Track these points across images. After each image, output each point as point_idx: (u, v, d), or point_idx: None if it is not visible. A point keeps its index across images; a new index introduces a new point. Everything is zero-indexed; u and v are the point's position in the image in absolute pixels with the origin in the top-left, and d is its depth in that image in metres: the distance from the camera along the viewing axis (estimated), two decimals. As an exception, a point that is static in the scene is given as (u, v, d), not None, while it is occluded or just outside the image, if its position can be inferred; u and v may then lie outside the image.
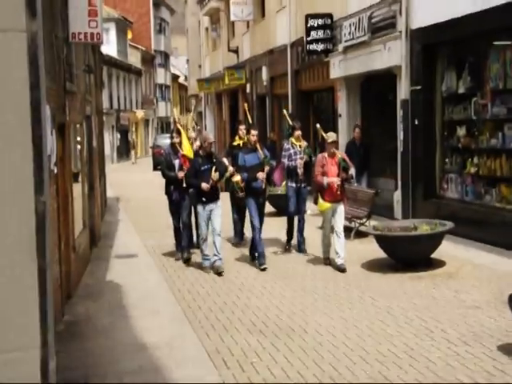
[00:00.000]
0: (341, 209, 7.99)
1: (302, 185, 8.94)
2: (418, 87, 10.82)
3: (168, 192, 9.00)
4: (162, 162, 9.07)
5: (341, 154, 8.12)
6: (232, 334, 5.81)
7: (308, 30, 14.21)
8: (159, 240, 10.95)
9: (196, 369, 5.02)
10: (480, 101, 9.72)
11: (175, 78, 58.56)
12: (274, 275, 7.90)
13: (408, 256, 7.90)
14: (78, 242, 8.06)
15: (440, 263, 8.04)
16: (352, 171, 8.23)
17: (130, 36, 44.49)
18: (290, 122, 9.29)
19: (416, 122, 10.86)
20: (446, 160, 10.68)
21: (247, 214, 8.76)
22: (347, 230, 9.46)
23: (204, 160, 8.10)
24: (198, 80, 29.56)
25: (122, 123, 40.20)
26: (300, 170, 8.76)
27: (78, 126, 8.80)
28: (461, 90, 10.19)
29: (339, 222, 7.95)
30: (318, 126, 8.81)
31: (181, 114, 60.30)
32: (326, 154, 8.01)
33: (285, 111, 9.77)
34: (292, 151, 8.96)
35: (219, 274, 7.91)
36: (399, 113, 11.39)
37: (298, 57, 16.65)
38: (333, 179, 7.83)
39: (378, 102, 13.29)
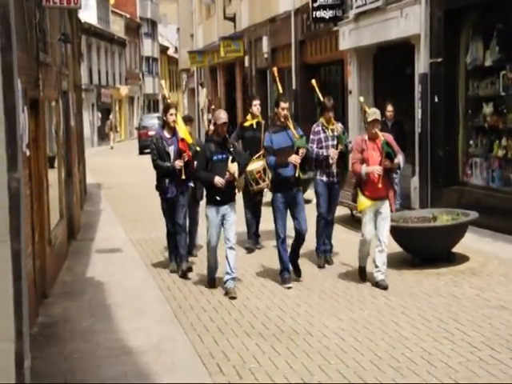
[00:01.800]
0: (386, 209, 7.05)
1: (335, 179, 7.99)
2: (439, 59, 10.80)
3: (161, 187, 7.96)
4: (152, 150, 7.90)
5: (385, 135, 7.10)
6: (228, 336, 5.85)
7: (314, -5, 14.17)
8: (146, 232, 11.00)
9: (187, 375, 5.05)
10: (510, 74, 9.70)
11: (164, 49, 58.36)
12: (275, 271, 7.92)
13: (426, 250, 7.93)
14: (54, 234, 8.08)
15: (462, 258, 8.07)
16: (400, 159, 7.07)
17: (112, 1, 44.29)
18: (321, 98, 8.11)
19: (436, 99, 10.85)
20: (471, 142, 10.68)
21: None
22: (355, 221, 9.50)
23: (217, 147, 7.03)
24: (190, 52, 29.46)
25: (103, 101, 40.14)
26: (333, 161, 7.81)
27: (53, 103, 8.78)
28: (488, 63, 10.18)
29: (383, 227, 7.05)
30: (361, 99, 7.93)
31: (171, 91, 60.31)
32: (366, 137, 7.10)
33: (314, 81, 8.28)
34: (323, 135, 7.93)
35: (232, 298, 6.91)
36: (417, 89, 11.38)
37: (303, 25, 16.60)
38: (373, 168, 6.90)
39: (393, 76, 13.27)
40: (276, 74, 8.21)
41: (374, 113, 7.08)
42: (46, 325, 6.36)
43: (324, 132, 7.95)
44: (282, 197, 7.20)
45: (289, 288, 7.15)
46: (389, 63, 13.43)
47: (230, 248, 7.07)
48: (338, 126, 8.06)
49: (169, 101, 8.11)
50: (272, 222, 7.44)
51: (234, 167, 6.91)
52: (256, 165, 7.95)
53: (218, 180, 6.88)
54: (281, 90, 7.84)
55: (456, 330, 5.77)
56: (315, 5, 14.22)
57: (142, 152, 32.14)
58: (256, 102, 8.97)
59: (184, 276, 7.78)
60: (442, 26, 10.72)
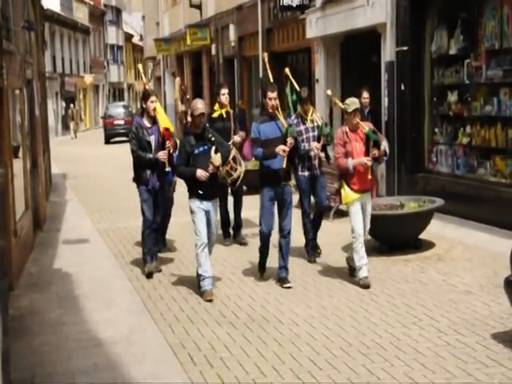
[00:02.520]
0: (368, 201, 6.85)
1: (319, 171, 7.69)
2: (405, 48, 10.89)
3: (140, 180, 7.35)
4: (131, 139, 7.35)
5: (367, 124, 6.80)
6: (198, 326, 5.84)
7: (281, -17, 14.14)
8: (113, 222, 10.91)
9: (158, 365, 5.04)
10: (474, 63, 9.83)
11: (129, 37, 57.65)
12: (245, 261, 7.93)
13: (393, 237, 8.02)
14: (20, 225, 7.96)
15: (429, 244, 8.19)
16: (384, 145, 6.72)
17: (75, -12, 43.51)
18: (297, 88, 7.78)
19: (402, 87, 10.94)
20: (436, 129, 10.82)
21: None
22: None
23: (197, 140, 6.59)
24: (156, 40, 29.17)
25: (67, 89, 39.52)
26: (315, 153, 7.52)
27: (17, 91, 8.62)
28: (452, 51, 10.29)
29: (366, 219, 6.83)
30: (329, 92, 7.68)
31: (136, 80, 59.71)
32: (347, 128, 6.72)
33: (287, 70, 7.81)
34: (302, 127, 7.60)
35: (209, 300, 6.47)
36: (384, 77, 11.46)
37: (270, 13, 16.56)
38: (361, 160, 6.58)
39: (359, 64, 13.33)
40: (267, 61, 7.68)
41: (353, 102, 6.72)
42: (13, 317, 6.24)
43: (303, 123, 7.63)
44: (270, 192, 6.80)
45: (288, 288, 6.80)
46: (356, 51, 13.49)
47: (211, 248, 6.80)
48: (317, 117, 7.79)
49: (147, 87, 7.68)
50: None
51: (217, 158, 6.50)
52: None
53: (201, 173, 6.46)
54: (271, 79, 7.23)
55: (424, 315, 5.86)
56: (282, -7, 14.19)
57: (108, 141, 31.85)
58: (224, 91, 8.52)
59: (149, 276, 7.35)
60: (408, 14, 10.79)
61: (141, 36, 48.04)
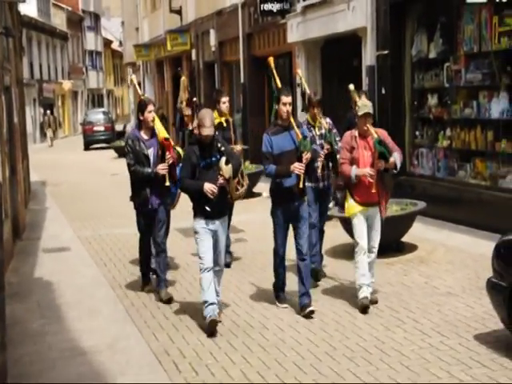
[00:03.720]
0: (378, 220, 6.23)
1: (326, 183, 6.99)
2: (385, 52, 10.99)
3: (139, 198, 6.75)
4: (127, 153, 6.70)
5: (378, 131, 6.15)
6: (183, 333, 5.84)
7: (261, -13, 14.20)
8: (95, 230, 10.86)
9: (143, 374, 5.04)
10: (453, 66, 9.96)
11: (108, 43, 57.45)
12: (231, 268, 7.93)
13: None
14: None
15: (411, 247, 8.27)
16: (396, 157, 6.04)
17: (53, -7, 43.28)
18: (307, 90, 7.24)
19: (383, 91, 11.04)
20: (416, 133, 10.93)
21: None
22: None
23: (205, 150, 5.84)
24: (136, 46, 29.10)
25: (45, 96, 39.24)
26: (317, 163, 6.68)
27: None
28: (432, 55, 10.42)
29: (375, 237, 6.26)
30: (351, 86, 6.68)
31: (115, 86, 59.46)
32: (356, 133, 6.15)
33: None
34: (309, 136, 6.63)
35: (211, 333, 5.71)
36: (364, 81, 11.56)
37: (251, 18, 16.61)
38: (364, 171, 6.01)
39: (340, 68, 13.43)
40: (272, 65, 6.79)
41: (364, 105, 6.10)
42: (-6, 328, 6.21)
43: (310, 131, 6.86)
44: (283, 211, 6.16)
45: (284, 308, 6.31)
46: (336, 56, 13.59)
47: (220, 270, 6.12)
48: (325, 122, 7.05)
49: (142, 97, 7.08)
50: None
51: (228, 170, 5.78)
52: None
53: (209, 187, 5.72)
54: (279, 84, 6.47)
55: (407, 318, 5.91)
56: (262, -2, 14.24)
57: (87, 148, 31.67)
58: (225, 99, 7.82)
59: (169, 302, 6.67)
60: (388, 19, 10.90)
61: (120, 42, 47.85)
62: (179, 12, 23.21)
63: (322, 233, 7.26)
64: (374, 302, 6.26)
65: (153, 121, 6.71)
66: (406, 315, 5.99)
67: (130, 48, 30.88)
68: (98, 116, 33.96)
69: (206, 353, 5.35)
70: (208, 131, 5.77)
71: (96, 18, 54.17)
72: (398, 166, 6.12)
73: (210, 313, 5.76)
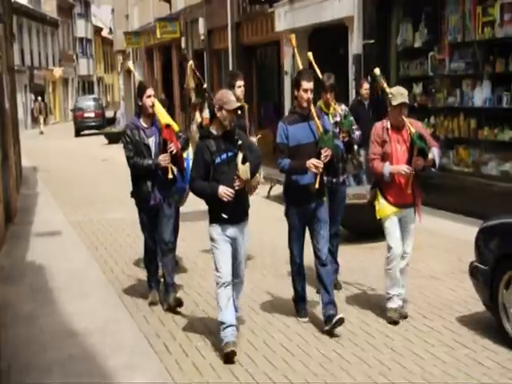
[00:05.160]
0: (412, 221, 5.46)
1: (340, 179, 6.06)
2: (371, 41, 10.96)
3: (140, 193, 5.93)
4: (126, 144, 5.86)
5: (413, 123, 5.34)
6: (173, 316, 5.81)
7: (250, -24, 14.09)
8: (86, 215, 10.79)
9: (134, 355, 5.01)
10: (437, 55, 9.96)
11: (98, 30, 56.87)
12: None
13: (361, 225, 8.07)
14: (-8, 218, 7.82)
15: (395, 232, 8.28)
16: (435, 153, 5.24)
17: (43, -19, 42.72)
18: (318, 73, 6.10)
19: (369, 79, 11.01)
20: (402, 121, 10.90)
21: None
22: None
23: (220, 144, 4.87)
24: (126, 33, 28.82)
25: (36, 83, 38.85)
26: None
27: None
28: (417, 44, 10.41)
29: (408, 240, 5.48)
30: (377, 71, 5.78)
31: (106, 73, 58.95)
32: (388, 124, 5.31)
33: (310, 54, 6.23)
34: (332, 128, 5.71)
35: (229, 359, 4.79)
36: (351, 69, 11.52)
37: (239, 7, 16.50)
38: (399, 168, 5.22)
39: (327, 57, 13.31)
40: (294, 44, 5.91)
41: (400, 94, 5.25)
42: (-13, 311, 6.17)
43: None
44: (299, 212, 5.31)
45: (305, 322, 5.50)
46: (323, 44, 13.50)
47: (237, 284, 5.19)
48: (340, 109, 6.16)
49: (140, 79, 6.19)
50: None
51: (246, 170, 4.79)
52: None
53: (225, 191, 4.78)
54: (301, 65, 5.62)
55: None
56: (251, -14, 14.14)
57: (78, 134, 31.43)
58: (240, 83, 6.81)
59: (172, 310, 5.90)
60: (374, 8, 10.87)
61: (110, 29, 47.38)
62: (169, 0, 23.00)
63: (335, 237, 6.20)
64: (404, 316, 5.46)
65: (152, 106, 5.83)
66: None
67: (120, 35, 30.59)
68: (88, 103, 33.72)
69: (196, 335, 5.34)
70: (234, 104, 4.81)
71: (86, 5, 53.59)
72: (438, 163, 5.32)
73: (229, 337, 4.86)
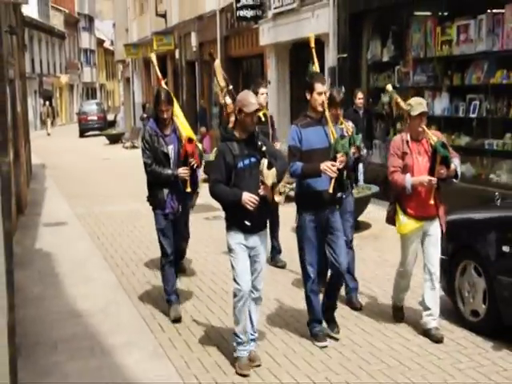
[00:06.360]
0: (436, 231, 4.70)
1: (345, 193, 4.92)
2: (345, 55, 10.95)
3: (156, 200, 5.15)
4: (144, 150, 5.09)
5: (435, 134, 4.74)
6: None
7: (237, -4, 14.02)
8: (89, 207, 10.67)
9: (132, 334, 4.96)
10: (403, 69, 9.97)
11: (101, 42, 56.32)
12: (206, 240, 7.87)
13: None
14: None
15: (366, 225, 8.29)
16: (456, 164, 4.61)
17: (51, -3, 42.20)
18: (317, 67, 5.14)
19: (343, 89, 10.99)
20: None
21: None
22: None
23: (243, 148, 4.21)
24: (126, 45, 28.56)
25: (45, 88, 38.40)
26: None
27: None
28: (385, 59, 10.42)
29: (433, 255, 4.72)
30: (389, 87, 5.34)
31: (107, 80, 58.42)
32: (408, 136, 4.69)
33: (315, 63, 5.10)
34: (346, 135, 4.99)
35: (244, 375, 4.18)
36: (327, 80, 11.48)
37: (228, 23, 16.40)
38: (422, 178, 4.55)
39: (306, 68, 13.34)
40: (313, 45, 5.04)
41: (419, 103, 4.64)
42: (-1, 293, 6.06)
43: None
44: (312, 220, 4.54)
45: (323, 347, 4.58)
46: (302, 57, 13.49)
47: (256, 299, 4.39)
48: (349, 126, 5.38)
49: (163, 83, 5.41)
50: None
51: (272, 175, 4.11)
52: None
53: (249, 198, 4.10)
54: (317, 68, 4.94)
55: (363, 286, 5.88)
56: (238, 5, 14.08)
57: (82, 135, 31.12)
58: (263, 91, 6.22)
59: (176, 321, 5.15)
60: (347, 26, 10.86)
61: (111, 41, 46.95)
62: (164, 16, 22.86)
63: (349, 250, 5.32)
64: (439, 339, 4.62)
65: (172, 113, 5.11)
66: (361, 284, 5.94)
67: (121, 47, 30.34)
68: (91, 107, 33.39)
69: (188, 316, 5.29)
70: (253, 106, 4.13)
71: (90, 19, 53.05)
72: (459, 173, 4.65)
73: (241, 352, 4.28)
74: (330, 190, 4.41)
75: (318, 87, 4.53)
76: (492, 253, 4.63)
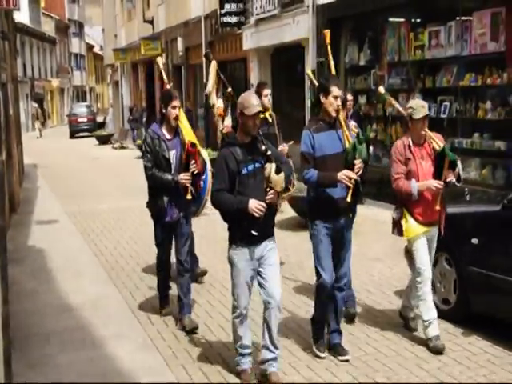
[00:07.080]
0: (435, 238, 4.46)
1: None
2: (324, 59, 10.97)
3: (156, 207, 4.77)
4: (145, 153, 4.73)
5: (437, 137, 4.35)
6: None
7: (222, 3, 14.00)
8: (80, 205, 10.58)
9: (121, 326, 4.93)
10: (378, 72, 10.03)
11: (90, 47, 55.81)
12: (200, 235, 7.84)
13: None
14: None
15: (344, 220, 8.30)
16: (459, 168, 4.25)
17: (42, 4, 41.66)
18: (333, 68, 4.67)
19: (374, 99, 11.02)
20: (349, 127, 10.96)
21: None
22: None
23: (246, 153, 3.78)
24: (114, 50, 28.35)
25: (37, 92, 37.95)
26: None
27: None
28: (361, 62, 10.47)
29: (430, 260, 4.48)
30: (381, 89, 4.91)
31: (96, 84, 57.93)
32: (409, 141, 4.31)
33: (309, 72, 5.46)
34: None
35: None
36: (307, 83, 11.52)
37: (212, 29, 16.35)
38: (429, 183, 4.22)
39: (287, 72, 13.38)
40: (328, 41, 4.69)
41: (421, 106, 4.24)
42: (-7, 289, 5.98)
43: None
44: (327, 227, 4.12)
45: (345, 361, 4.15)
46: (283, 61, 13.53)
47: (277, 307, 3.81)
48: (352, 126, 4.82)
49: (168, 86, 5.09)
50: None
51: (280, 181, 3.69)
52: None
53: (256, 206, 3.65)
54: (333, 68, 4.48)
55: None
56: (222, 11, 14.06)
57: (72, 136, 30.84)
58: (267, 92, 5.87)
59: (192, 331, 4.71)
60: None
61: (101, 46, 46.53)
62: (151, 22, 22.74)
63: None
64: (439, 349, 4.26)
65: (176, 119, 4.69)
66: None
67: (110, 52, 30.11)
68: (81, 109, 33.10)
69: (175, 309, 5.24)
70: (255, 108, 3.70)
71: (80, 25, 52.54)
72: (462, 177, 4.32)
73: (244, 364, 3.91)
74: (349, 199, 3.99)
75: (335, 91, 4.03)
76: (462, 245, 4.67)
